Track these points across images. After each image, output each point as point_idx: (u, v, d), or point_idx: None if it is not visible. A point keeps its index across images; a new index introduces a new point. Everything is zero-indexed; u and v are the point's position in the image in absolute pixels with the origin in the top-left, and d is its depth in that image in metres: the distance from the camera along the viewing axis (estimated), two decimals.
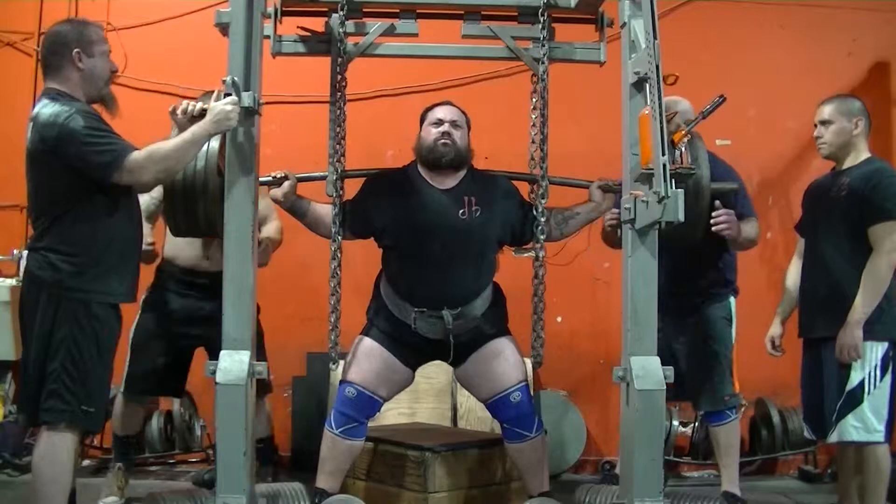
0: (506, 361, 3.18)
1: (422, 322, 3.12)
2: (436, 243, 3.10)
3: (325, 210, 3.18)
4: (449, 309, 3.09)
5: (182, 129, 2.79)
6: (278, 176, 3.12)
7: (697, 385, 3.56)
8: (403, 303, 3.15)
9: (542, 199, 3.14)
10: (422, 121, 3.28)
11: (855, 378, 3.13)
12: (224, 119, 2.69)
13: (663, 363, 2.82)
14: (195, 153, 2.75)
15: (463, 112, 3.28)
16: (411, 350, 3.18)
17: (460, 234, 3.12)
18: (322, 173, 3.13)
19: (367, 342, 3.19)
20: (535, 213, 3.15)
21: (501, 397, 3.15)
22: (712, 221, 3.36)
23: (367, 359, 3.15)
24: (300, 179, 3.16)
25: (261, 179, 2.99)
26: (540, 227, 3.13)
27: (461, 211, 3.14)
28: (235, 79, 2.72)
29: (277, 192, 3.13)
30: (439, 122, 3.19)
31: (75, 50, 2.80)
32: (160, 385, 3.70)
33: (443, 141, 3.15)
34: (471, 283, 3.16)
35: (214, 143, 2.91)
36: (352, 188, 3.25)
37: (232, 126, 2.72)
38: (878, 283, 3.10)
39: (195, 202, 2.93)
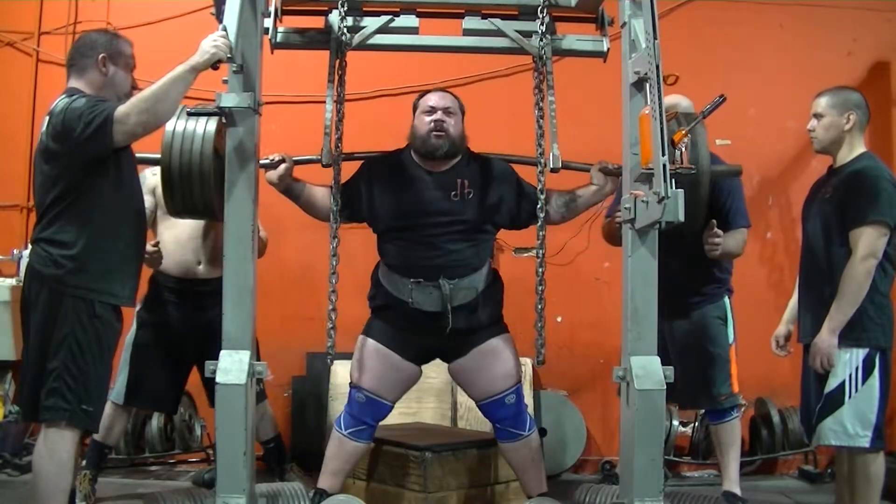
0: (503, 363, 3.18)
1: (418, 293, 3.08)
2: (429, 225, 3.11)
3: (319, 192, 3.18)
4: (446, 279, 3.08)
5: None
6: (275, 159, 3.11)
7: (693, 386, 3.53)
8: (400, 278, 3.13)
9: (542, 175, 3.05)
10: (414, 108, 3.27)
11: (833, 382, 3.05)
12: (209, 48, 2.63)
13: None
14: (179, 91, 2.68)
15: (456, 98, 3.26)
16: (412, 338, 3.17)
17: (452, 215, 3.13)
18: (318, 156, 3.08)
19: (370, 344, 3.19)
20: (536, 193, 3.08)
21: (496, 399, 3.16)
22: (706, 245, 3.36)
23: (371, 362, 3.17)
24: (296, 162, 3.15)
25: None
26: (540, 206, 3.05)
27: (453, 193, 3.14)
28: (227, 25, 2.66)
29: (273, 174, 3.11)
30: (432, 110, 3.18)
31: (102, 54, 2.86)
32: (159, 400, 3.74)
33: (436, 133, 3.13)
34: (467, 258, 3.13)
35: (211, 126, 2.88)
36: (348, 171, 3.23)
37: (217, 56, 2.63)
38: (854, 289, 2.99)
39: (191, 183, 2.88)
